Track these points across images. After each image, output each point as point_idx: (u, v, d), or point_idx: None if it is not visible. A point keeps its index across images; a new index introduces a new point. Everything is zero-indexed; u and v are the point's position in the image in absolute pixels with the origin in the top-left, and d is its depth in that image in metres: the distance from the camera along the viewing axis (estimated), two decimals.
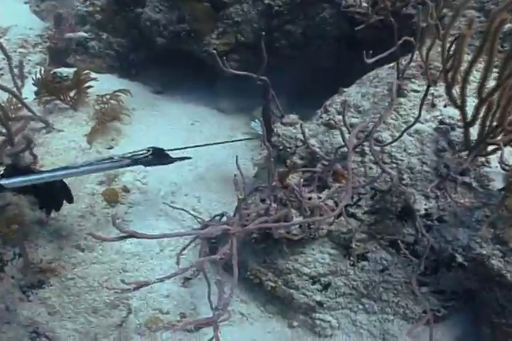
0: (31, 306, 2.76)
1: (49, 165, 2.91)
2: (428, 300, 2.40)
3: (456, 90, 2.08)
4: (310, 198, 2.36)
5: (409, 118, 2.36)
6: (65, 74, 3.32)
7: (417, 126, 2.29)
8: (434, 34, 2.35)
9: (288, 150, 2.61)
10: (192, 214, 2.96)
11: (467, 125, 2.09)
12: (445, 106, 2.35)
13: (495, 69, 1.94)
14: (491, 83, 1.95)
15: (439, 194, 2.25)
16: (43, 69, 3.29)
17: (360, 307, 2.55)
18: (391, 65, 2.64)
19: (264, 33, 2.45)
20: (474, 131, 2.11)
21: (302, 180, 2.37)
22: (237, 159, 2.35)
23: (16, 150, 2.92)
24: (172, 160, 2.89)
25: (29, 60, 4.42)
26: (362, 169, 2.40)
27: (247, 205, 2.42)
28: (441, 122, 2.30)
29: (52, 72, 3.32)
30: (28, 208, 2.78)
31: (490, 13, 1.92)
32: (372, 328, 2.54)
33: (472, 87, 2.17)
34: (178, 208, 2.98)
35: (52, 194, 2.56)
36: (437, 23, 2.32)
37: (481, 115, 2.00)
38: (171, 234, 2.21)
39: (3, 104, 2.97)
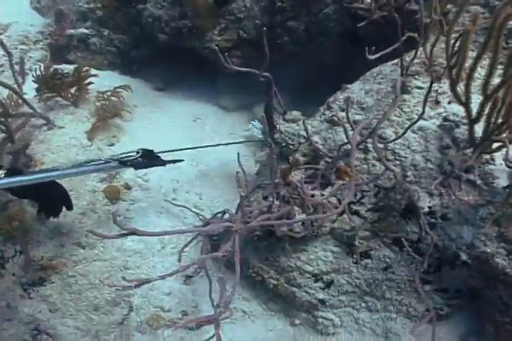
0: (32, 303, 2.76)
1: (50, 163, 2.91)
2: (431, 298, 2.39)
3: (460, 87, 2.07)
4: (313, 195, 2.35)
5: (413, 115, 2.34)
6: (66, 71, 3.30)
7: (421, 123, 2.27)
8: (438, 30, 2.33)
9: (291, 147, 2.60)
10: (194, 212, 2.95)
11: (472, 122, 2.07)
12: (449, 103, 2.33)
13: (499, 66, 1.91)
14: (496, 80, 1.93)
15: (443, 191, 2.23)
16: (42, 65, 3.27)
17: (363, 305, 2.54)
18: (395, 61, 2.62)
19: (266, 29, 2.43)
20: (479, 129, 2.09)
21: (305, 176, 2.36)
22: (238, 156, 2.34)
23: (12, 150, 2.93)
24: (163, 163, 2.79)
25: (30, 56, 4.41)
26: (365, 166, 2.39)
27: (250, 202, 2.40)
28: (445, 119, 2.28)
29: (53, 69, 3.30)
30: (29, 205, 2.77)
31: (495, 8, 1.89)
32: (375, 326, 2.54)
33: (476, 84, 2.15)
34: (179, 205, 2.96)
35: (53, 199, 2.52)
36: (441, 18, 2.29)
37: (486, 112, 1.99)
38: (172, 231, 2.20)
39: (3, 101, 2.98)
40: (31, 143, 3.03)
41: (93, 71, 3.41)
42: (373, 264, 2.43)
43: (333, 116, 2.53)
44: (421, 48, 2.38)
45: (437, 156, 2.25)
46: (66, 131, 3.11)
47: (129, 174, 2.99)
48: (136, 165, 2.62)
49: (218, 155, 3.29)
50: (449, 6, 2.56)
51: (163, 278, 1.94)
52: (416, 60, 2.44)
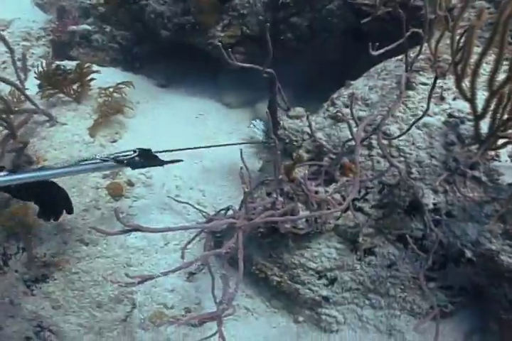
0: (35, 300, 2.76)
1: (52, 159, 2.90)
2: (435, 295, 2.38)
3: (465, 83, 2.05)
4: (317, 192, 2.34)
5: (417, 112, 2.33)
6: (68, 68, 3.29)
7: (426, 119, 2.26)
8: (443, 26, 2.32)
9: (294, 143, 2.58)
10: (197, 208, 2.94)
11: (477, 118, 2.06)
12: (454, 99, 2.31)
13: (505, 62, 1.90)
14: (501, 76, 1.91)
15: (447, 188, 2.22)
16: (44, 62, 3.25)
17: (367, 302, 2.53)
18: (399, 57, 2.61)
19: (269, 25, 2.42)
20: (484, 125, 2.08)
21: (308, 173, 2.35)
22: (241, 153, 2.33)
23: (11, 149, 2.93)
24: (162, 163, 2.73)
25: (32, 53, 4.39)
26: (369, 163, 2.37)
27: (253, 199, 2.39)
28: (450, 115, 2.27)
29: (55, 65, 3.29)
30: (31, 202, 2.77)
31: (500, 3, 1.88)
32: (379, 324, 2.53)
33: (482, 80, 2.14)
34: (182, 202, 2.95)
35: (53, 203, 2.49)
36: (446, 14, 2.28)
37: (492, 108, 1.97)
38: (175, 227, 2.18)
39: (5, 97, 2.97)
40: (34, 140, 3.02)
41: (95, 67, 3.40)
42: (377, 261, 2.42)
43: (337, 112, 2.52)
44: (426, 44, 2.36)
45: (442, 153, 2.24)
46: (68, 128, 3.09)
47: (131, 171, 2.98)
48: (133, 164, 2.57)
49: (221, 152, 3.27)
50: (454, 1, 2.54)
51: (166, 274, 1.93)
52: (421, 56, 2.43)
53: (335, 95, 2.67)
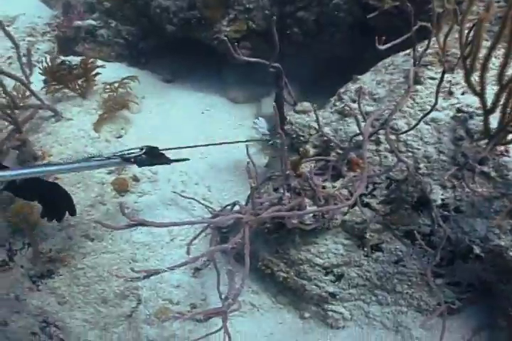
0: (41, 296, 2.76)
1: (58, 155, 2.90)
2: (443, 292, 2.37)
3: (474, 78, 2.03)
4: (324, 187, 2.32)
5: (425, 106, 2.30)
6: (73, 63, 3.28)
7: (434, 114, 2.23)
8: (452, 20, 2.29)
9: (301, 138, 2.57)
10: (202, 204, 2.93)
11: (487, 112, 2.03)
12: (463, 93, 2.28)
13: None
14: (511, 70, 1.89)
15: (456, 184, 2.20)
16: (48, 57, 3.24)
17: (374, 298, 2.53)
18: (407, 51, 2.58)
19: (275, 18, 2.39)
20: (493, 120, 2.05)
21: (314, 167, 2.33)
22: (247, 148, 2.32)
23: (11, 146, 2.93)
24: (168, 161, 2.72)
25: (37, 48, 4.37)
26: (377, 158, 2.35)
27: (260, 194, 2.38)
28: (458, 110, 2.24)
29: (60, 61, 3.28)
30: None
31: None
32: (386, 320, 2.52)
33: (490, 75, 2.11)
34: (188, 197, 2.94)
35: (57, 204, 2.47)
36: (456, 7, 2.25)
37: (502, 102, 1.95)
38: (180, 222, 2.18)
39: (11, 93, 2.97)
40: (39, 136, 3.02)
41: (100, 63, 3.38)
42: (384, 257, 2.41)
43: (344, 106, 2.50)
44: (434, 38, 2.34)
45: (450, 148, 2.22)
46: (74, 123, 3.09)
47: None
48: (140, 162, 2.54)
49: (227, 148, 3.26)
50: None
51: (172, 269, 1.93)
52: (429, 51, 2.40)
53: (342, 90, 2.65)
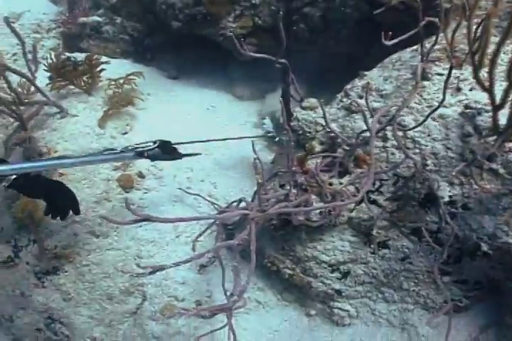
0: (46, 292, 2.76)
1: (63, 151, 2.89)
2: (450, 289, 2.35)
3: (483, 73, 2.01)
4: (331, 184, 2.31)
5: (433, 103, 2.28)
6: (79, 59, 3.27)
7: (442, 110, 2.21)
8: (460, 15, 2.27)
9: (308, 134, 2.55)
10: (208, 200, 2.92)
11: (496, 108, 2.01)
12: (471, 90, 2.26)
13: None
14: None
15: (463, 180, 2.18)
16: (53, 54, 3.23)
17: (380, 296, 2.52)
18: (414, 47, 2.56)
19: (281, 13, 2.38)
20: (502, 116, 2.03)
21: (320, 163, 2.32)
22: (253, 144, 2.30)
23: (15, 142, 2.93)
24: (180, 156, 2.79)
25: (43, 45, 4.38)
26: (384, 154, 2.34)
27: (266, 191, 2.36)
28: (466, 106, 2.22)
29: (65, 57, 3.27)
30: None
31: None
32: (392, 318, 2.51)
33: (499, 71, 2.09)
34: (194, 194, 2.93)
35: (61, 203, 2.44)
36: (464, 2, 2.23)
37: (511, 98, 1.93)
38: (186, 217, 2.15)
39: (16, 89, 2.96)
40: (44, 132, 3.01)
41: (105, 59, 3.38)
42: (391, 254, 2.39)
43: (351, 103, 2.48)
44: (442, 34, 2.31)
45: (458, 144, 2.20)
46: (79, 119, 3.08)
47: (143, 162, 2.96)
48: (153, 156, 2.59)
49: (232, 145, 3.26)
50: None
51: (177, 264, 1.91)
52: (437, 46, 2.37)
53: (348, 86, 2.64)
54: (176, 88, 3.83)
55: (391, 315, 2.51)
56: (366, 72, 2.64)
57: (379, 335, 2.51)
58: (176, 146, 2.76)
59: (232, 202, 2.80)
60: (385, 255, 2.40)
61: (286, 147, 2.24)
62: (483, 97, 2.13)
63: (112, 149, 2.50)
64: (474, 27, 2.08)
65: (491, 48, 1.92)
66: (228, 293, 2.25)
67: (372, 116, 2.27)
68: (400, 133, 2.26)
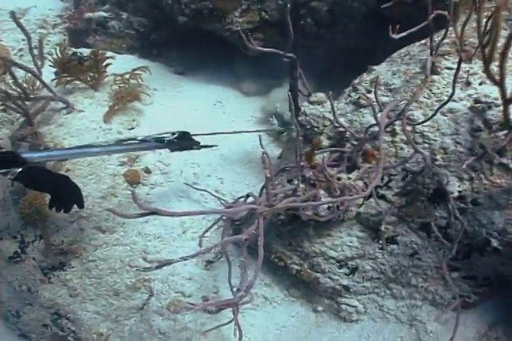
0: (53, 288, 2.76)
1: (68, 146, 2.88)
2: (459, 286, 2.33)
3: (493, 67, 1.98)
4: (339, 179, 2.29)
5: (442, 97, 2.26)
6: (85, 55, 3.26)
7: (451, 104, 2.19)
8: (469, 8, 2.24)
9: (315, 129, 2.53)
10: (215, 196, 2.91)
11: (506, 102, 1.99)
12: (480, 84, 2.24)
13: None
14: None
15: (473, 176, 2.16)
16: (58, 49, 3.23)
17: (388, 292, 2.50)
18: (423, 41, 2.54)
19: (289, 6, 2.35)
20: None
21: (328, 158, 2.30)
22: (260, 139, 2.29)
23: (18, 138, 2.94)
24: (199, 147, 2.84)
25: (49, 40, 4.36)
26: (393, 149, 2.32)
27: (274, 186, 2.34)
28: (476, 101, 2.19)
29: (71, 52, 3.26)
30: None
31: None
32: (400, 314, 2.49)
33: (509, 64, 2.06)
34: (200, 189, 2.92)
35: (66, 196, 2.44)
36: None
37: None
38: (193, 211, 2.14)
39: (22, 85, 2.96)
40: (50, 127, 3.01)
41: (111, 54, 3.37)
42: (399, 250, 2.37)
43: (359, 97, 2.46)
44: (451, 27, 2.29)
45: (468, 139, 2.17)
46: (86, 115, 3.08)
47: (149, 158, 2.96)
48: (172, 146, 2.68)
49: (239, 140, 3.25)
50: None
51: (184, 259, 1.90)
52: (446, 40, 2.35)
53: (356, 80, 2.62)
54: (182, 83, 3.81)
55: (399, 311, 2.49)
56: (374, 67, 2.62)
57: (387, 331, 2.49)
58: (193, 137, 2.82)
59: (239, 198, 2.79)
60: (394, 250, 2.38)
61: (294, 142, 2.23)
62: (492, 91, 2.11)
63: (133, 138, 2.60)
64: (484, 20, 2.06)
65: (501, 42, 1.90)
66: (235, 289, 2.24)
67: (381, 111, 2.25)
68: (409, 128, 2.24)
